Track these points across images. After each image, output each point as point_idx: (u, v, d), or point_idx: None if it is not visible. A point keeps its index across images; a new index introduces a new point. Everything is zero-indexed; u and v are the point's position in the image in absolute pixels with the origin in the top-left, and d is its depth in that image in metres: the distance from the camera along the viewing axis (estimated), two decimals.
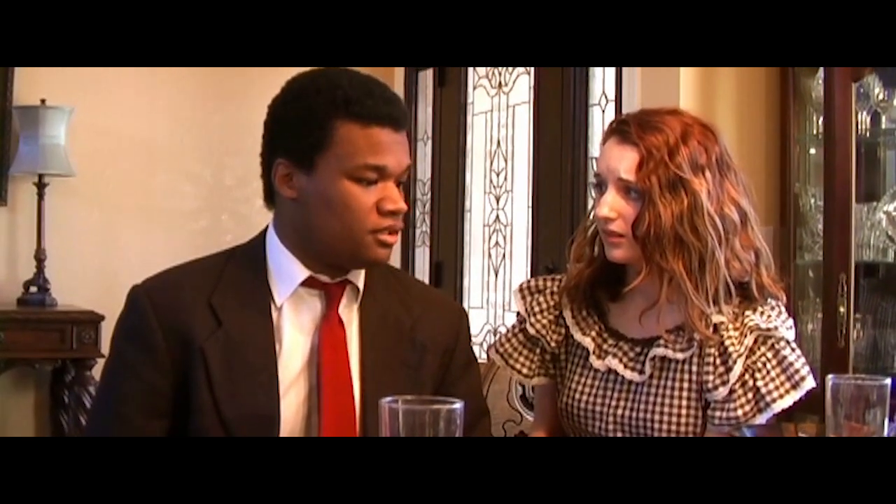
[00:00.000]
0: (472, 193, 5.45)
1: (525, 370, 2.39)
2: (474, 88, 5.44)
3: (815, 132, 3.91)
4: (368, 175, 1.97)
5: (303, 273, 2.06)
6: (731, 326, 2.19)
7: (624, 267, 2.27)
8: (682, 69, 3.87)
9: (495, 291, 5.26)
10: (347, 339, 2.09)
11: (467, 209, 5.45)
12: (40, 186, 5.09)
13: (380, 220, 2.00)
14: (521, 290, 2.44)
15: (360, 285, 2.12)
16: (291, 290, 2.06)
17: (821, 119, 3.79)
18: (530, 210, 4.89)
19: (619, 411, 2.25)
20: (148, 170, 5.51)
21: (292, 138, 2.00)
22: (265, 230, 2.14)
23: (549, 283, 2.41)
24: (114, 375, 2.05)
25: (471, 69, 5.43)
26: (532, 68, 4.95)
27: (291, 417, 2.03)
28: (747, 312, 2.21)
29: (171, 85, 5.50)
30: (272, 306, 2.06)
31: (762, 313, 2.21)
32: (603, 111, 4.50)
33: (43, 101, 5.09)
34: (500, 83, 5.24)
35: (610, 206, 2.19)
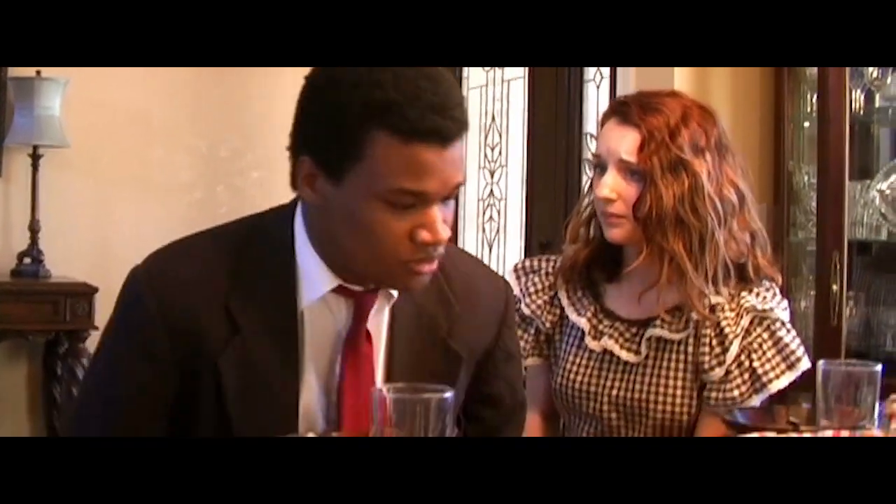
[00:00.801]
0: (466, 168, 5.44)
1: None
2: None
3: (809, 110, 3.91)
4: (404, 200, 1.64)
5: (332, 282, 1.78)
6: (727, 307, 2.21)
7: (620, 248, 2.28)
8: None
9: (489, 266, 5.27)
10: (374, 345, 1.84)
11: None
12: (35, 158, 5.07)
13: (413, 250, 1.68)
14: (515, 270, 2.45)
15: (395, 291, 1.84)
16: (317, 297, 1.79)
17: (815, 97, 3.79)
18: (524, 185, 4.89)
19: (615, 392, 2.27)
20: (142, 141, 5.49)
21: (320, 138, 1.67)
22: (292, 211, 1.83)
23: (543, 264, 2.41)
24: (110, 379, 1.82)
25: None
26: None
27: None
28: (743, 294, 2.23)
29: None
30: (296, 311, 1.79)
31: (758, 294, 2.23)
32: (598, 87, 4.50)
33: (38, 72, 5.07)
34: None
35: (610, 188, 2.20)
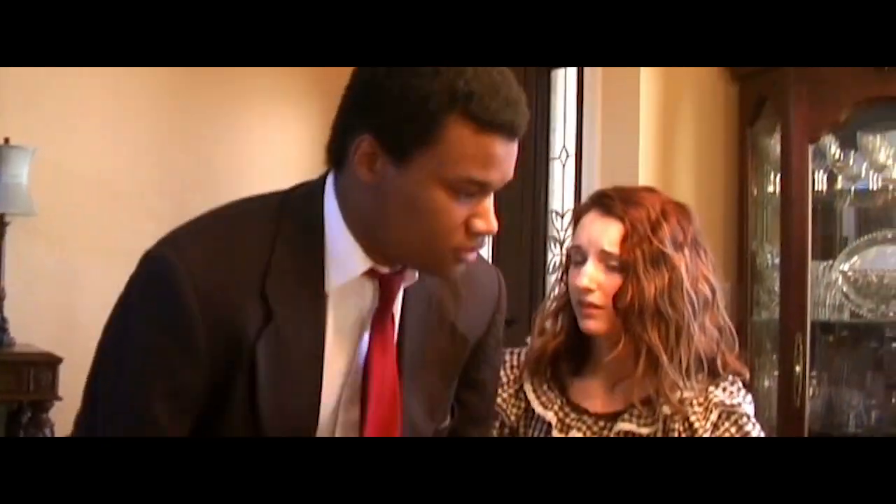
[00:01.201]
0: None
1: None
2: None
3: (772, 190, 3.98)
4: (468, 188, 1.66)
5: (363, 265, 1.76)
6: (695, 402, 2.23)
7: (590, 341, 2.30)
8: (643, 126, 3.92)
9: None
10: (396, 326, 1.85)
11: None
12: (1, 226, 5.08)
13: (466, 239, 1.71)
14: None
15: (416, 273, 1.83)
16: (345, 280, 1.77)
17: (778, 177, 3.85)
18: (490, 262, 4.90)
19: None
20: (108, 209, 5.49)
21: (390, 118, 1.65)
22: (321, 189, 1.79)
23: (508, 357, 2.40)
24: (137, 368, 1.72)
25: None
26: None
27: (326, 427, 1.80)
28: (710, 388, 2.25)
29: (134, 124, 5.51)
30: (323, 293, 1.77)
31: (724, 389, 2.25)
32: (563, 165, 4.53)
33: (6, 140, 5.08)
34: None
35: (590, 278, 2.22)
